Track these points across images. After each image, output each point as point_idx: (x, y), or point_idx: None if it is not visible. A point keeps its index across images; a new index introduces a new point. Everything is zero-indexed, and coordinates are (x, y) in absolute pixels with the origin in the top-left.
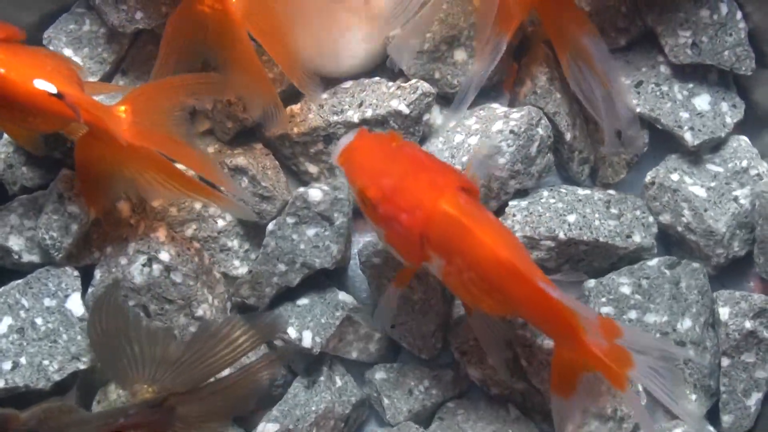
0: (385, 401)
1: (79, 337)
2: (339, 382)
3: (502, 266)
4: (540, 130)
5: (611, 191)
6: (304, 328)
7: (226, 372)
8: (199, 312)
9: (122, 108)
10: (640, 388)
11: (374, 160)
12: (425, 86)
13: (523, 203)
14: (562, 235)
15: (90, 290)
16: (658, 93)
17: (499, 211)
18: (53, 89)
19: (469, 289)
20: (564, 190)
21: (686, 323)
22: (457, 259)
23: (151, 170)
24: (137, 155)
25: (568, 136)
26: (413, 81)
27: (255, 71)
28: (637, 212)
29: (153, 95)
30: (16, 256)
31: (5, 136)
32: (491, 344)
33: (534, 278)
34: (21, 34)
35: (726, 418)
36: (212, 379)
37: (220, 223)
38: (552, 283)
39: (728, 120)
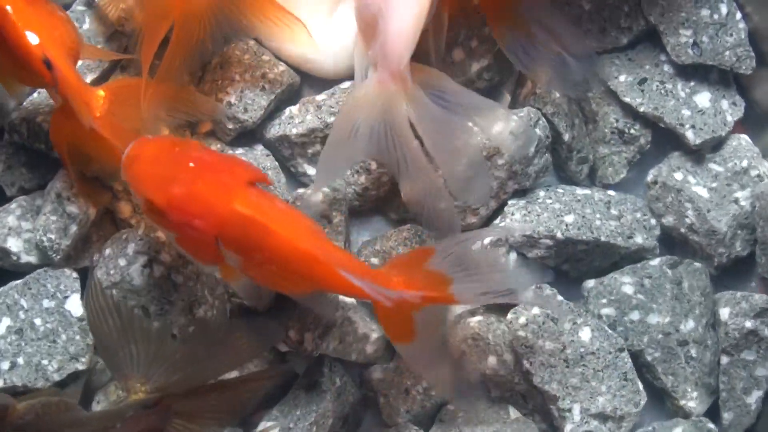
0: (381, 401)
1: (77, 337)
2: (338, 382)
3: (301, 256)
4: (538, 131)
5: (611, 192)
6: (305, 329)
7: (224, 377)
8: (200, 313)
9: (101, 93)
10: (640, 387)
11: (159, 168)
12: None
13: (521, 202)
14: (559, 235)
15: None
16: (662, 91)
17: (498, 211)
18: (44, 56)
19: (270, 278)
20: (561, 191)
21: (689, 324)
22: (257, 254)
23: (105, 160)
24: (99, 144)
25: (566, 137)
26: None
27: (147, 48)
28: (638, 214)
29: (134, 92)
30: (15, 257)
31: (5, 137)
32: (322, 311)
33: (333, 264)
34: None
35: (726, 416)
36: (210, 382)
37: None
38: (352, 260)
39: (729, 118)
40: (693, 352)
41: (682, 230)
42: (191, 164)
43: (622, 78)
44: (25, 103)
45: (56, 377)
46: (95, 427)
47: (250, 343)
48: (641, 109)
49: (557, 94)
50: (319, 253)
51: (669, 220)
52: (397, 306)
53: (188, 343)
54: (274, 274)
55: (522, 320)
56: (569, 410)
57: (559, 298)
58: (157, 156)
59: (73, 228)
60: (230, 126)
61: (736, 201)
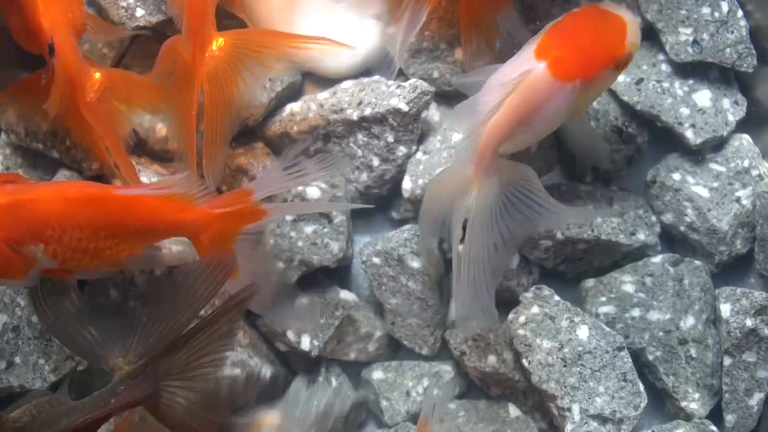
0: (383, 403)
1: None
2: (335, 383)
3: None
4: None
5: (614, 188)
6: (302, 331)
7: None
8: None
9: (97, 75)
10: (641, 388)
11: None
12: (424, 85)
13: None
14: (559, 235)
15: (85, 288)
16: (659, 89)
17: None
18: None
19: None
20: (565, 188)
21: (689, 321)
22: (53, 245)
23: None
24: (78, 121)
25: None
26: (412, 80)
27: (187, 124)
28: (640, 210)
29: (131, 86)
30: None
31: (2, 137)
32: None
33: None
34: None
35: (729, 418)
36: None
37: None
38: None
39: (730, 118)
40: (693, 352)
41: (682, 228)
42: None
43: (620, 77)
44: None
45: (52, 377)
46: (90, 410)
47: (206, 282)
48: (638, 107)
49: None
50: (98, 191)
51: (668, 217)
52: (212, 235)
53: (149, 303)
54: (92, 251)
55: (522, 319)
56: (569, 410)
57: (556, 298)
58: None
59: None
60: None
61: (738, 200)
